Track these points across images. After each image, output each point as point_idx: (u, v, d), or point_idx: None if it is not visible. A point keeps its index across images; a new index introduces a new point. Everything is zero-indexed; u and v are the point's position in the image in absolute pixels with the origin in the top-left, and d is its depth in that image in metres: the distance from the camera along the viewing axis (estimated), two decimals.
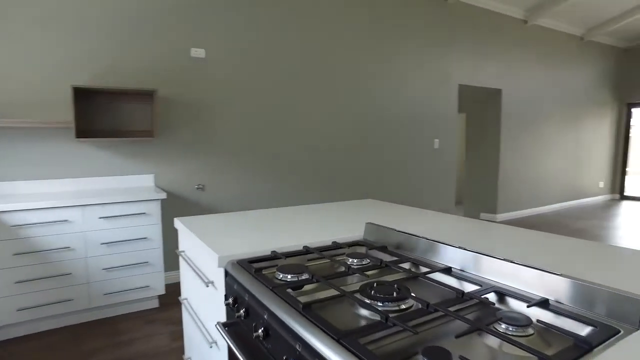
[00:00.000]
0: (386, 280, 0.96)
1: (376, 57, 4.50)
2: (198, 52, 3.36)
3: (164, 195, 2.68)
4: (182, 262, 1.71)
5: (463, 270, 1.07)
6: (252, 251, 1.22)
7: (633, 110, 8.17)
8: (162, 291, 2.76)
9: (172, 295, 3.07)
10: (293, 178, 3.98)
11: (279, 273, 1.05)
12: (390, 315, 0.77)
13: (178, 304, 2.90)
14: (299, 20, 3.90)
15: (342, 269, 1.17)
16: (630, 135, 8.21)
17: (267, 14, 3.71)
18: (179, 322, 2.61)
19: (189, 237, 1.49)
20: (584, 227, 5.63)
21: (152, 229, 2.68)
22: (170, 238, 3.35)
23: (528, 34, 6.15)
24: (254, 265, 1.13)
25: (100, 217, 2.52)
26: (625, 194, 8.26)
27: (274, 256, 1.19)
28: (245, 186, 3.71)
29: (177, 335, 2.45)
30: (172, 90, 3.28)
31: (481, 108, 6.07)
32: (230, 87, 3.56)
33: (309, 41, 3.97)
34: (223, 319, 1.20)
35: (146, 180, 3.17)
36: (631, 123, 8.18)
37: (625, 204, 7.72)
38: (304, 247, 1.27)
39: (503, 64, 5.88)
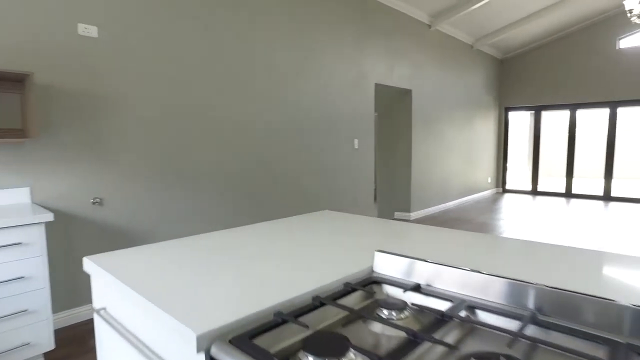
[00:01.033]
0: (484, 352, 0.63)
1: (295, 55, 4.17)
2: (88, 30, 2.64)
3: (49, 217, 1.98)
4: (100, 325, 1.16)
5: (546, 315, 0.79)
6: (239, 313, 0.78)
7: (510, 113, 9.21)
8: (50, 346, 2.05)
9: (66, 348, 2.33)
10: (211, 187, 3.44)
11: (309, 356, 0.65)
12: None
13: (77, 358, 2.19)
14: (214, 9, 3.37)
15: (402, 334, 0.78)
16: (508, 135, 9.24)
17: None
18: None
19: (121, 292, 0.97)
20: (471, 218, 6.08)
21: (33, 264, 1.96)
22: (59, 266, 2.57)
23: (432, 38, 6.42)
24: (258, 344, 0.71)
25: None
26: (506, 187, 9.27)
27: (281, 319, 0.78)
28: (156, 199, 3.06)
29: None
30: (55, 77, 2.51)
31: (393, 108, 6.15)
32: (134, 77, 2.89)
33: (224, 37, 3.47)
34: None
35: (18, 196, 2.37)
36: (509, 125, 9.22)
37: (507, 196, 8.64)
38: (314, 297, 0.88)
39: (413, 65, 6.03)
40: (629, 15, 4.77)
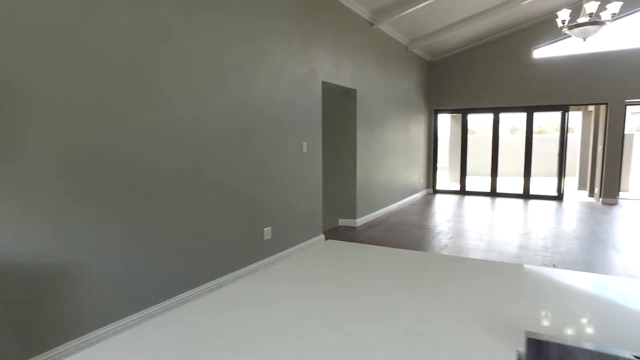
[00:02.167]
0: None
1: (241, 49, 3.57)
2: None
3: None
4: None
5: None
6: None
7: (439, 115, 9.46)
8: None
9: None
10: (145, 203, 2.72)
11: None
12: None
13: None
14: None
15: None
16: (437, 136, 9.48)
17: None
18: None
19: None
20: (419, 221, 6.01)
21: None
22: None
23: (373, 37, 6.19)
24: None
25: None
26: (436, 188, 9.50)
27: None
28: (72, 228, 2.28)
29: None
30: None
31: (338, 109, 5.79)
32: (21, 56, 2.09)
33: (160, 30, 2.76)
34: None
35: None
36: (438, 126, 9.45)
37: (438, 197, 8.83)
38: None
39: (357, 64, 5.73)
40: (560, 25, 4.96)
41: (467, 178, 9.21)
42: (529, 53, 8.11)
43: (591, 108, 9.16)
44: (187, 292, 3.07)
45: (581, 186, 9.60)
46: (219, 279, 3.38)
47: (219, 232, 3.37)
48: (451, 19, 6.88)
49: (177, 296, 2.99)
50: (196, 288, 3.15)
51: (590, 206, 7.48)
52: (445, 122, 11.31)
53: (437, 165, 9.51)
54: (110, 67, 2.47)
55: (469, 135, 9.26)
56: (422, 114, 8.83)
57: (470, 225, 5.86)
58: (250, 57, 3.63)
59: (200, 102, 3.13)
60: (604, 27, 4.62)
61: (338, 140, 5.85)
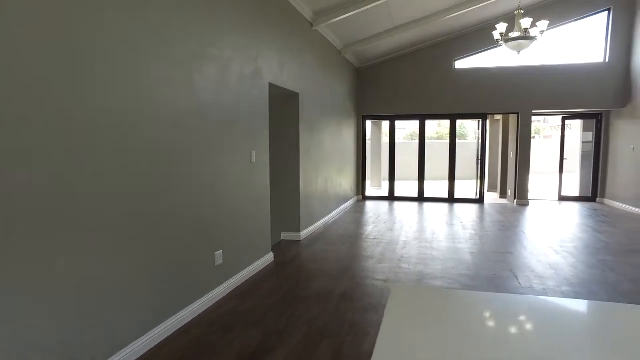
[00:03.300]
0: None
1: (184, 43, 2.98)
2: None
3: None
4: None
5: None
6: None
7: (367, 122, 9.50)
8: None
9: None
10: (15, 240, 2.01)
11: None
12: None
13: None
14: None
15: None
16: (366, 143, 9.51)
17: None
18: None
19: None
20: (363, 231, 5.86)
21: None
22: None
23: (313, 38, 5.88)
24: None
25: None
26: (366, 194, 9.51)
27: None
28: None
29: None
30: None
31: (282, 113, 5.34)
32: None
33: (88, 20, 2.09)
34: None
35: None
36: (366, 132, 9.49)
37: (369, 204, 8.84)
38: None
39: (300, 66, 5.36)
40: (497, 37, 5.18)
41: (384, 183, 9.38)
42: (451, 63, 8.52)
43: (498, 117, 9.99)
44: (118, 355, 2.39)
45: (491, 188, 10.41)
46: (163, 324, 2.73)
47: (164, 266, 2.72)
48: (384, 26, 6.88)
49: None
50: (137, 341, 2.48)
51: (508, 207, 8.07)
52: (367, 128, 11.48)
53: (366, 171, 9.54)
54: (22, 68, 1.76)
55: (384, 142, 9.45)
56: (352, 120, 8.76)
57: (415, 233, 5.84)
58: (194, 51, 3.03)
59: (135, 106, 2.48)
60: (534, 42, 4.90)
61: (281, 147, 5.40)
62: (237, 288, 3.63)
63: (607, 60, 7.82)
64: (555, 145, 12.51)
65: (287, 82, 4.91)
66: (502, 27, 4.98)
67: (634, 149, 7.36)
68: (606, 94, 7.79)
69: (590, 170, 8.62)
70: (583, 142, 8.93)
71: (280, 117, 5.34)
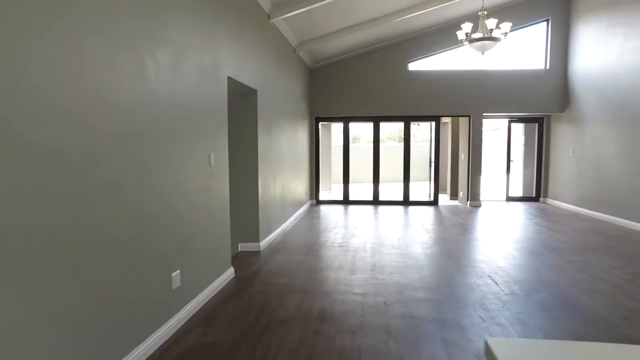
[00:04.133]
0: None
1: (134, 20, 2.45)
2: None
3: None
4: None
5: None
6: None
7: (320, 124, 9.20)
8: None
9: None
10: None
11: None
12: None
13: None
14: None
15: None
16: (319, 145, 9.20)
17: None
18: None
19: None
20: (326, 238, 5.53)
21: None
22: None
23: (270, 32, 5.45)
24: None
25: None
26: (319, 199, 9.18)
27: None
28: None
29: None
30: None
31: (239, 112, 4.84)
32: None
33: None
34: None
35: None
36: (319, 135, 9.17)
37: (324, 208, 8.53)
38: None
39: (258, 61, 4.90)
40: (460, 38, 5.10)
41: (335, 186, 9.15)
42: (404, 65, 8.49)
43: (446, 120, 10.18)
44: None
45: (441, 190, 10.57)
46: None
47: (116, 295, 2.16)
48: (341, 23, 6.63)
49: None
50: None
51: (462, 209, 8.17)
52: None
53: (320, 174, 9.22)
54: None
55: (334, 145, 9.24)
56: (306, 122, 8.41)
57: (380, 239, 5.60)
58: (145, 32, 2.50)
59: (73, 104, 1.93)
60: (498, 43, 4.88)
61: (238, 149, 4.89)
62: (199, 311, 3.11)
63: (547, 67, 8.21)
64: (493, 147, 13.12)
65: (246, 77, 4.44)
66: (467, 26, 4.90)
67: (573, 151, 7.76)
68: (548, 99, 8.18)
69: (532, 171, 9.03)
70: (524, 145, 9.33)
71: (239, 116, 4.84)
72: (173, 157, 2.82)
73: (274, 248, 5.18)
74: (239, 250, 5.03)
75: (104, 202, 2.07)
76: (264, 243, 5.17)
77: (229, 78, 3.91)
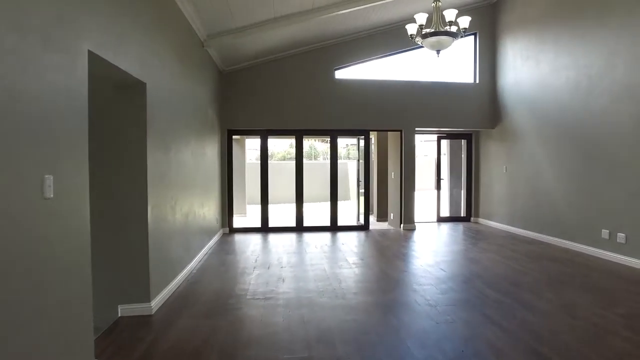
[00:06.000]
0: None
1: None
2: None
3: None
4: None
5: None
6: None
7: (234, 137, 7.78)
8: None
9: None
10: None
11: None
12: None
13: None
14: None
15: None
16: (232, 163, 7.75)
17: None
18: None
19: None
20: (246, 285, 4.17)
21: None
22: None
23: (170, 15, 4.04)
24: None
25: None
26: (233, 226, 7.69)
27: None
28: None
29: None
30: None
31: (114, 112, 3.29)
32: None
33: None
34: None
35: None
36: (232, 151, 7.74)
37: (239, 238, 7.08)
38: None
39: (149, 44, 3.45)
40: (410, 33, 4.23)
41: (250, 208, 7.82)
42: (331, 73, 7.54)
43: (372, 134, 9.47)
44: None
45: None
46: None
47: None
48: (262, 15, 5.42)
49: None
50: None
51: (397, 234, 7.33)
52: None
53: (233, 198, 7.75)
54: None
55: (249, 162, 7.94)
56: (216, 136, 6.96)
57: (318, 285, 4.36)
58: None
59: None
60: (456, 41, 4.08)
61: (113, 166, 3.34)
62: None
63: (477, 81, 7.90)
64: (422, 163, 12.86)
65: (128, 61, 2.97)
66: (421, 17, 4.02)
67: (506, 169, 7.45)
68: (478, 114, 7.83)
69: (460, 190, 8.64)
70: (449, 163, 8.95)
71: (116, 121, 3.31)
72: None
73: (174, 306, 3.66)
74: (119, 315, 3.41)
75: None
76: (158, 301, 3.62)
77: (91, 53, 2.42)
